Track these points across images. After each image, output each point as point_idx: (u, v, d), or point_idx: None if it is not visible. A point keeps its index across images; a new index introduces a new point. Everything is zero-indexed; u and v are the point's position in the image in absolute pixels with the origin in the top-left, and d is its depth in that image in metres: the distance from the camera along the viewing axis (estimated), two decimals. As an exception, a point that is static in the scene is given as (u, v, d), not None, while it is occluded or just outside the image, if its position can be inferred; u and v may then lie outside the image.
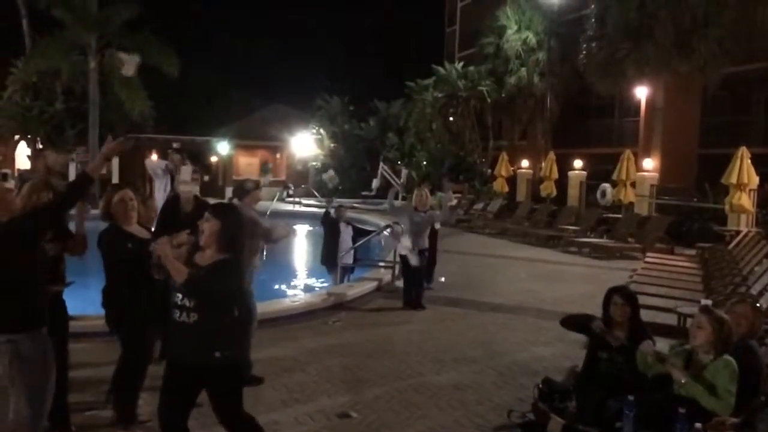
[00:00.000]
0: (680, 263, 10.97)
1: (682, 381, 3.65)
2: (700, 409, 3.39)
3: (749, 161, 14.20)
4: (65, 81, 25.81)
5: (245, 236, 3.70)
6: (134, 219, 4.56)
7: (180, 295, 3.38)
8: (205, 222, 3.46)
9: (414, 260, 8.47)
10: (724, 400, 3.52)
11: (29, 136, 27.98)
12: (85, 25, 23.54)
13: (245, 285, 5.69)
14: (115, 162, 28.97)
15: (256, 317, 5.86)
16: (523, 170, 25.22)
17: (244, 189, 5.96)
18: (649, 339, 4.29)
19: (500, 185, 23.97)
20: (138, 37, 23.83)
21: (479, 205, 22.13)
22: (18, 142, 29.41)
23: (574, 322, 4.64)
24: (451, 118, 27.93)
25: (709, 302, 4.83)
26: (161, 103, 29.21)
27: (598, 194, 20.17)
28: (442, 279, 7.75)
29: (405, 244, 8.56)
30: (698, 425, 2.97)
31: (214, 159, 36.33)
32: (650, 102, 22.23)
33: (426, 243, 8.84)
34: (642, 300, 5.17)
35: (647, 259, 11.34)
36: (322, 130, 34.44)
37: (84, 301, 5.58)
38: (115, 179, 27.08)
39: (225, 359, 3.42)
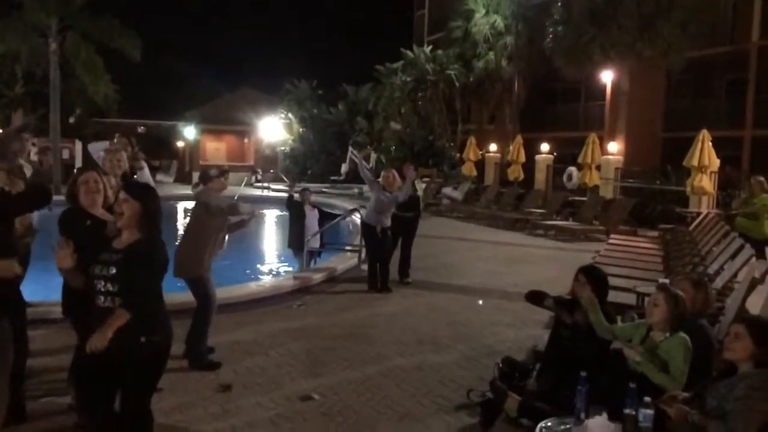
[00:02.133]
0: (642, 244, 11.15)
1: (637, 359, 3.72)
2: (650, 384, 3.45)
3: (710, 144, 14.46)
4: (25, 64, 25.19)
5: (161, 216, 3.58)
6: (99, 202, 4.44)
7: (103, 282, 3.28)
8: (122, 203, 3.35)
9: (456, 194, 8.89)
10: (676, 378, 3.60)
11: (-11, 120, 27.29)
12: (45, 7, 22.95)
13: (205, 271, 5.64)
14: (79, 147, 28.42)
15: (216, 302, 5.81)
16: (491, 154, 25.36)
17: (207, 175, 5.91)
18: (610, 319, 4.34)
19: (468, 169, 24.07)
20: (99, 19, 23.30)
21: (447, 189, 22.21)
22: (-23, 126, 28.65)
23: (534, 296, 4.70)
24: (419, 102, 27.89)
25: (666, 281, 4.93)
26: (126, 87, 28.69)
27: (565, 177, 20.39)
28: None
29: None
30: (647, 399, 3.02)
31: (180, 144, 35.86)
32: (615, 86, 22.49)
33: (389, 222, 8.86)
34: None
35: (610, 241, 11.50)
36: (290, 115, 34.17)
37: (47, 287, 5.47)
38: (78, 164, 26.58)
39: (150, 345, 3.32)
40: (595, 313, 4.07)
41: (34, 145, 26.17)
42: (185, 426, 4.46)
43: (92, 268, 3.34)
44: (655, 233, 13.40)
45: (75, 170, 5.04)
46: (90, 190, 4.39)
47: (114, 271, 3.28)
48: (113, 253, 3.34)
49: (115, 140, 6.80)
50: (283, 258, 12.23)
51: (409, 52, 28.58)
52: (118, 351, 3.27)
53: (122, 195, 3.39)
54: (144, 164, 6.97)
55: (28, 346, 4.70)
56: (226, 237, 6.02)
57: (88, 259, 3.37)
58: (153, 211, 3.43)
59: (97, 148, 6.97)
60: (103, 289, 3.29)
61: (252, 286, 8.32)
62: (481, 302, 7.52)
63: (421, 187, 10.17)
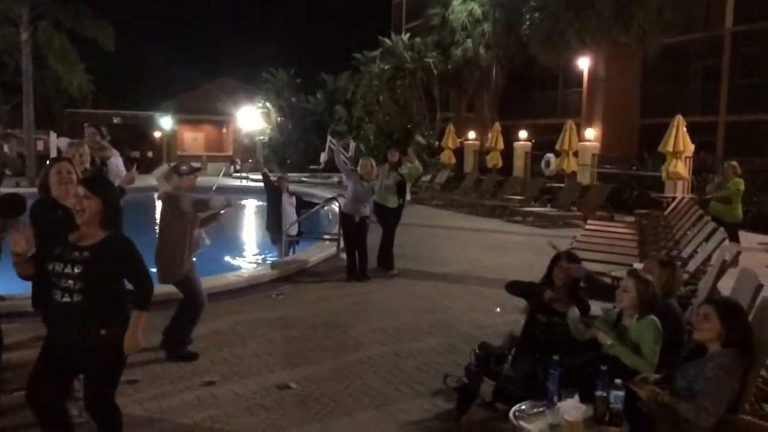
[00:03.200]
0: (618, 229, 11.27)
1: (608, 342, 3.77)
2: (621, 367, 3.50)
3: (685, 130, 14.60)
4: (-3, 54, 24.74)
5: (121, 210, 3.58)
6: (71, 192, 4.38)
7: (64, 279, 3.21)
8: (83, 199, 3.26)
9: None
10: (647, 360, 3.65)
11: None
12: (16, -4, 22.53)
13: (189, 271, 5.58)
14: (54, 138, 28.04)
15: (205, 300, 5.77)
16: (470, 142, 25.40)
17: (178, 172, 5.77)
18: (585, 304, 4.40)
19: (447, 157, 24.11)
20: (71, 8, 22.90)
21: (427, 177, 22.25)
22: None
23: (522, 290, 4.70)
24: (398, 91, 27.82)
25: (640, 266, 4.99)
26: (101, 77, 28.30)
27: (543, 164, 20.50)
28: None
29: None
30: (618, 381, 3.06)
31: (157, 134, 35.48)
32: (592, 73, 22.61)
33: (367, 211, 8.87)
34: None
35: (587, 226, 11.62)
36: (268, 104, 33.93)
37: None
38: (53, 155, 26.19)
39: (111, 337, 3.28)
40: (574, 319, 4.11)
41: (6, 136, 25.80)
42: (161, 417, 4.44)
43: (51, 264, 3.25)
44: (631, 218, 13.54)
45: (48, 161, 4.96)
46: (62, 181, 4.35)
47: (80, 270, 3.20)
48: (76, 250, 3.25)
49: (85, 129, 6.69)
50: (261, 247, 12.18)
51: (387, 40, 28.47)
52: (79, 345, 3.24)
53: (81, 191, 3.29)
54: (113, 153, 6.89)
55: (3, 340, 4.66)
56: (204, 233, 5.95)
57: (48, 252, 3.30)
58: (115, 205, 3.38)
59: (63, 144, 6.88)
60: (63, 285, 3.22)
61: (230, 276, 8.28)
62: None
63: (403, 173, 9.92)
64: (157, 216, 6.03)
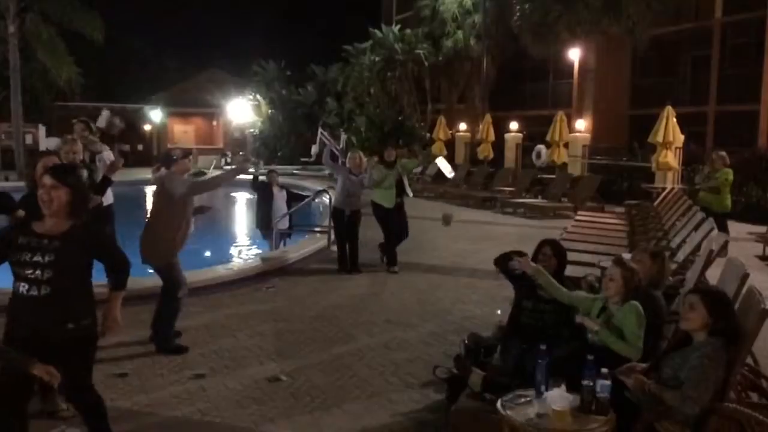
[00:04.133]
0: (608, 220, 11.32)
1: (595, 329, 3.79)
2: (608, 356, 3.52)
3: (675, 120, 14.65)
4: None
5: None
6: None
7: (32, 269, 3.08)
8: (50, 189, 3.15)
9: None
10: (633, 343, 3.69)
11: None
12: (1, -13, 22.30)
13: (173, 257, 5.57)
14: (42, 132, 27.86)
15: (186, 286, 5.75)
16: (461, 133, 25.41)
17: (171, 157, 5.77)
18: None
19: (439, 148, 24.09)
20: (59, 0, 22.69)
21: (418, 169, 22.21)
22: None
23: (502, 264, 4.80)
24: (389, 82, 27.77)
25: (627, 256, 5.02)
26: (90, 70, 28.08)
27: (534, 155, 20.53)
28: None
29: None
30: (604, 370, 3.08)
31: (147, 127, 35.28)
32: (582, 64, 22.63)
33: (358, 205, 8.84)
34: (571, 256, 5.30)
35: (577, 217, 11.66)
36: (259, 96, 33.78)
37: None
38: (42, 149, 26.00)
39: (78, 330, 3.20)
40: (541, 275, 4.15)
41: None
42: (151, 410, 4.44)
43: (17, 255, 3.13)
44: (621, 209, 13.59)
45: (38, 153, 4.95)
46: None
47: (51, 258, 3.10)
48: (45, 239, 3.14)
49: (74, 125, 6.64)
50: (252, 240, 12.16)
51: (377, 32, 28.39)
52: (45, 340, 3.13)
53: (49, 181, 3.16)
54: (103, 147, 6.84)
55: None
56: (193, 220, 5.94)
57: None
58: (83, 195, 3.32)
59: (54, 143, 6.85)
60: (31, 277, 3.10)
61: (220, 270, 8.26)
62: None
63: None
64: (147, 208, 6.02)
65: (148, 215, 5.70)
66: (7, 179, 19.84)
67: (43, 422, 4.05)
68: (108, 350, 5.50)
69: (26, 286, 3.12)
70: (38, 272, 3.10)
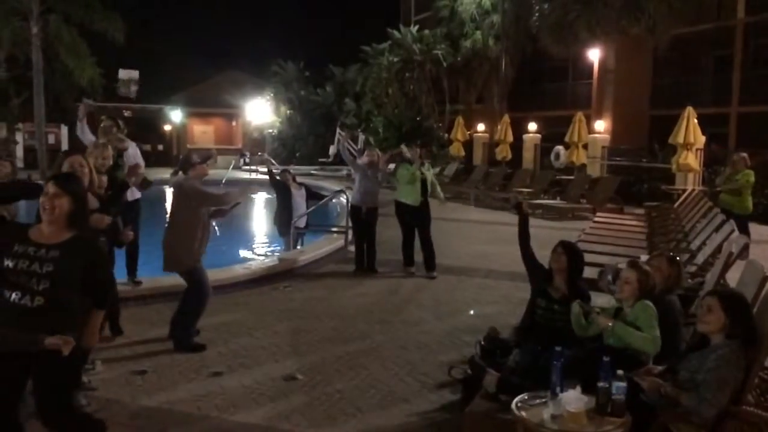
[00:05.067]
0: (627, 222, 11.23)
1: (609, 324, 3.77)
2: (624, 357, 3.51)
3: (695, 121, 14.50)
4: (7, 48, 24.83)
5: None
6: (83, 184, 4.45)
7: (27, 278, 2.99)
8: (53, 197, 3.09)
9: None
10: (650, 336, 3.67)
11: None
12: (25, -11, 22.63)
13: (196, 262, 5.62)
14: (64, 131, 28.20)
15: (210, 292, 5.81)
16: (479, 134, 25.35)
17: (189, 162, 5.81)
18: (584, 294, 4.40)
19: (456, 149, 24.06)
20: (81, 2, 22.97)
21: (436, 169, 22.20)
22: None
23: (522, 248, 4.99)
24: (407, 83, 27.77)
25: (644, 258, 4.99)
26: (111, 70, 28.39)
27: (552, 156, 20.43)
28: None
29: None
30: (620, 372, 3.07)
31: (167, 127, 35.60)
32: (602, 64, 22.47)
33: (375, 202, 8.85)
34: (589, 258, 5.29)
35: (596, 219, 11.59)
36: (278, 97, 33.94)
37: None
38: (64, 149, 26.35)
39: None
40: (576, 314, 4.13)
41: (18, 129, 25.97)
42: (169, 407, 4.48)
43: (13, 261, 3.02)
44: (641, 211, 13.47)
45: (60, 153, 5.03)
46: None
47: (50, 268, 3.01)
48: (42, 248, 3.05)
49: (102, 122, 6.72)
50: (269, 240, 12.23)
51: (395, 32, 28.41)
52: (28, 352, 3.00)
53: (53, 188, 3.10)
54: (129, 144, 6.93)
55: None
56: (214, 224, 5.98)
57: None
58: (84, 205, 3.26)
59: (84, 131, 6.93)
60: (25, 285, 3.00)
61: (238, 269, 8.31)
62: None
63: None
64: (168, 207, 6.08)
65: (167, 221, 5.74)
66: (29, 178, 20.14)
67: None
68: (127, 348, 5.60)
69: (18, 295, 2.99)
70: (33, 282, 2.99)
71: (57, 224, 3.12)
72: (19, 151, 28.68)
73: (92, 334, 3.31)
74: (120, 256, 6.00)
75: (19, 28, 23.58)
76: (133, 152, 6.98)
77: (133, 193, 6.72)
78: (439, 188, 9.06)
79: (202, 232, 5.59)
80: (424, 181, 8.67)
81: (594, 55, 21.84)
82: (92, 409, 4.32)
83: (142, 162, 7.01)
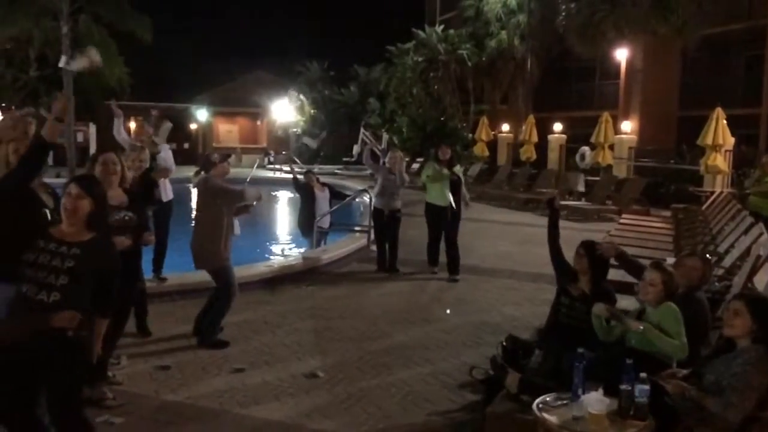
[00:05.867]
0: (653, 224, 11.09)
1: (641, 328, 3.71)
2: (648, 360, 3.47)
3: (725, 122, 14.27)
4: (38, 47, 25.28)
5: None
6: (115, 183, 4.54)
7: (46, 273, 3.00)
8: (76, 199, 3.13)
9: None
10: (677, 341, 3.63)
11: (3, 105, 27.48)
12: (55, -11, 22.96)
13: (225, 260, 5.68)
14: (93, 130, 28.62)
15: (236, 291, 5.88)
16: (504, 134, 25.21)
17: (209, 161, 5.90)
18: (608, 296, 4.36)
19: (481, 149, 23.96)
20: (110, 1, 23.28)
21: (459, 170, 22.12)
22: (-8, 110, 28.90)
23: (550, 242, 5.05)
24: (431, 83, 27.71)
25: (671, 260, 4.92)
26: (138, 69, 28.77)
27: (578, 157, 20.23)
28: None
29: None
30: (643, 374, 3.03)
31: (193, 126, 35.97)
32: (630, 64, 22.21)
33: (399, 204, 8.84)
34: (614, 259, 5.22)
35: (621, 220, 11.46)
36: (302, 96, 34.10)
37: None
38: (92, 147, 26.78)
39: (77, 339, 3.06)
40: (598, 317, 4.08)
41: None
42: (192, 402, 4.53)
43: (34, 255, 3.06)
44: (667, 213, 13.30)
45: (95, 153, 5.16)
46: (108, 172, 4.49)
47: (71, 264, 3.04)
48: (63, 245, 3.08)
49: (152, 114, 6.86)
50: (292, 239, 12.29)
51: (420, 32, 28.37)
52: (41, 346, 3.01)
53: (75, 190, 3.15)
54: (162, 147, 7.03)
55: None
56: (236, 222, 6.05)
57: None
58: (104, 208, 3.31)
59: (120, 131, 7.08)
60: (44, 281, 3.01)
61: (261, 267, 8.36)
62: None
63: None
64: (193, 206, 6.17)
65: (195, 221, 5.84)
66: (58, 176, 20.45)
67: (88, 411, 4.16)
68: (152, 343, 5.67)
69: (35, 290, 3.02)
70: (52, 277, 3.01)
71: (78, 225, 3.16)
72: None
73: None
74: (147, 253, 6.09)
75: (49, 28, 23.96)
76: (165, 155, 7.09)
77: (167, 194, 6.86)
78: (464, 189, 8.90)
79: (227, 230, 5.66)
80: (453, 182, 8.46)
81: (621, 54, 21.58)
82: (117, 402, 4.39)
83: (173, 166, 7.13)
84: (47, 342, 3.01)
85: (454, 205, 8.41)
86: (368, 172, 25.61)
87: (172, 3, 40.02)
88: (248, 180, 13.06)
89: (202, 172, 5.92)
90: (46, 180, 3.95)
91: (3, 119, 4.18)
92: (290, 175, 10.56)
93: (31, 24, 23.15)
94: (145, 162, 5.60)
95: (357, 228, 11.12)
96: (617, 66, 22.84)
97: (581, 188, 16.80)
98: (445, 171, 8.43)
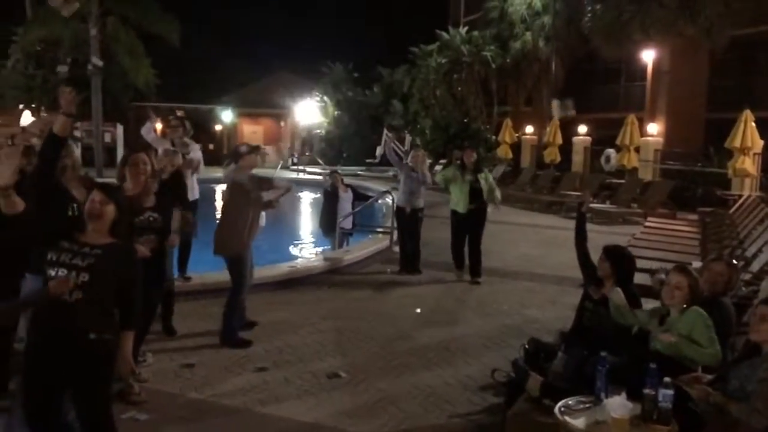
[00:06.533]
0: (679, 227, 10.96)
1: (673, 340, 3.66)
2: (672, 364, 3.43)
3: (753, 125, 14.05)
4: (67, 49, 25.69)
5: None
6: (144, 183, 4.68)
7: (66, 271, 3.02)
8: (101, 205, 3.16)
9: None
10: (711, 347, 3.58)
11: (33, 105, 27.98)
12: (84, -8, 23.33)
13: (244, 249, 5.76)
14: (120, 131, 28.98)
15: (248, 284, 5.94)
16: (528, 136, 25.06)
17: (238, 152, 5.97)
18: (634, 301, 4.32)
19: (504, 151, 23.85)
20: (138, 4, 23.61)
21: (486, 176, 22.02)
22: (22, 111, 29.41)
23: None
24: (455, 85, 27.64)
25: (697, 264, 4.87)
26: (165, 71, 29.08)
27: (603, 160, 20.04)
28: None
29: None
30: (667, 379, 3.00)
31: (218, 127, 36.28)
32: (656, 66, 21.96)
33: (421, 203, 8.84)
34: (639, 264, 5.17)
35: (647, 224, 11.34)
36: (325, 98, 34.22)
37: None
38: (120, 147, 27.13)
39: (99, 344, 3.05)
40: (615, 295, 4.06)
41: (76, 128, 26.83)
42: (215, 400, 4.59)
43: (56, 254, 3.08)
44: (694, 216, 13.12)
45: (125, 152, 5.33)
46: (138, 172, 4.60)
47: (91, 261, 3.06)
48: (86, 246, 3.11)
49: (177, 114, 6.97)
50: (315, 239, 12.35)
51: (444, 34, 28.31)
52: (64, 349, 3.02)
53: (99, 196, 3.19)
54: (192, 148, 7.12)
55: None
56: (263, 215, 6.14)
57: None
58: (125, 215, 3.35)
59: (149, 131, 7.21)
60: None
61: (284, 267, 8.42)
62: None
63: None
64: (218, 205, 6.28)
65: (222, 210, 5.95)
66: (86, 175, 20.77)
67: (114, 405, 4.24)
68: (176, 341, 5.74)
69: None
70: (73, 275, 3.02)
71: (101, 231, 3.19)
72: (77, 148, 29.63)
73: (124, 359, 3.18)
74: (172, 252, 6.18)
75: (78, 30, 24.35)
76: (195, 155, 7.20)
77: (193, 193, 6.96)
78: (497, 192, 8.59)
79: (252, 221, 5.74)
80: (475, 189, 8.29)
81: (648, 56, 21.35)
82: (142, 399, 4.46)
83: (201, 165, 7.23)
84: (74, 347, 3.03)
85: (469, 208, 8.28)
86: (391, 173, 25.69)
87: (197, 5, 40.41)
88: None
89: (232, 164, 5.99)
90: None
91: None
92: (313, 176, 10.62)
93: (61, 26, 23.53)
94: (177, 164, 5.73)
95: (380, 229, 11.15)
96: (643, 67, 22.60)
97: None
98: (468, 176, 8.33)
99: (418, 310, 7.04)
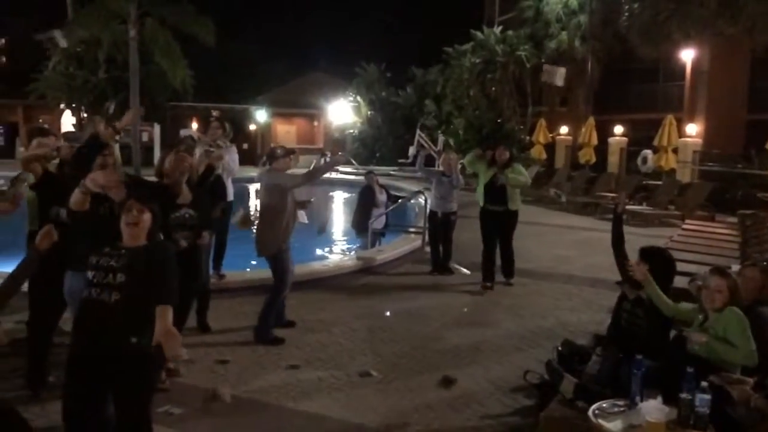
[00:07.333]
0: (718, 230, 10.70)
1: (704, 340, 3.60)
2: (710, 368, 3.36)
3: (796, 126, 13.68)
4: (107, 50, 26.22)
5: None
6: (182, 180, 4.82)
7: (104, 273, 3.10)
8: (140, 212, 3.28)
9: None
10: (746, 347, 3.50)
11: (74, 105, 28.63)
12: (123, -6, 23.78)
13: (282, 242, 5.83)
14: (157, 130, 29.47)
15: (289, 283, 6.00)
16: (562, 137, 24.77)
17: (273, 155, 6.06)
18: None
19: (538, 152, 23.60)
20: (175, 6, 23.95)
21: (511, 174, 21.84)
22: (63, 111, 30.11)
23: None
24: (489, 84, 27.45)
25: (736, 268, 4.76)
26: (201, 72, 29.48)
27: (639, 161, 19.71)
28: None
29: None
30: (705, 383, 2.95)
31: (252, 127, 36.66)
32: (695, 66, 21.51)
33: (453, 207, 8.82)
34: (677, 267, 5.07)
35: (685, 226, 11.09)
36: (359, 98, 34.31)
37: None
38: (157, 147, 27.61)
39: (141, 347, 3.08)
40: (649, 285, 4.00)
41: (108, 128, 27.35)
42: (248, 396, 4.64)
43: (96, 258, 3.17)
44: (734, 219, 12.83)
45: (166, 150, 5.50)
46: (179, 168, 4.85)
47: (126, 261, 3.14)
48: (123, 249, 3.21)
49: (212, 118, 7.07)
50: (347, 238, 12.39)
51: (478, 34, 28.16)
52: (106, 352, 3.06)
53: (137, 206, 3.29)
54: (228, 150, 7.22)
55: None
56: (303, 212, 6.22)
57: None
58: (158, 220, 3.42)
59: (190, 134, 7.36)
60: (104, 281, 3.10)
61: (316, 266, 8.48)
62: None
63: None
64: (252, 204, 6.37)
65: (260, 212, 6.04)
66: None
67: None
68: (210, 337, 5.83)
69: (98, 291, 3.10)
70: (110, 276, 3.09)
71: (139, 237, 3.28)
72: (115, 148, 30.25)
73: (165, 331, 2.99)
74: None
75: (117, 31, 24.83)
76: (232, 157, 7.27)
77: (228, 194, 7.05)
78: (523, 178, 8.19)
79: (288, 219, 5.83)
80: (498, 187, 8.03)
81: (687, 56, 20.93)
82: (166, 387, 4.56)
83: (237, 166, 7.31)
84: (116, 350, 3.06)
85: (494, 209, 8.07)
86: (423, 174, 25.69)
87: (232, 6, 40.89)
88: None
89: (268, 164, 6.08)
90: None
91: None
92: (346, 176, 10.65)
93: (101, 27, 24.03)
94: (216, 170, 5.85)
95: (412, 229, 11.14)
96: (682, 67, 22.16)
97: None
98: (491, 170, 8.02)
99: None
